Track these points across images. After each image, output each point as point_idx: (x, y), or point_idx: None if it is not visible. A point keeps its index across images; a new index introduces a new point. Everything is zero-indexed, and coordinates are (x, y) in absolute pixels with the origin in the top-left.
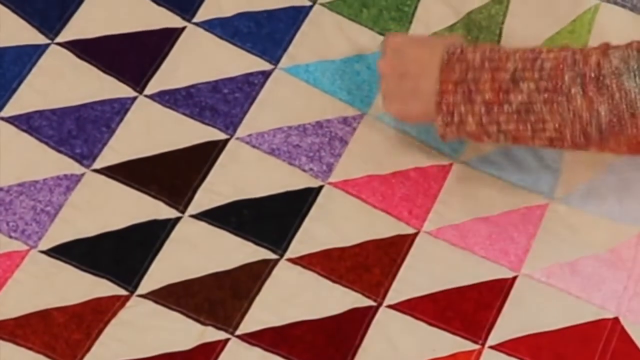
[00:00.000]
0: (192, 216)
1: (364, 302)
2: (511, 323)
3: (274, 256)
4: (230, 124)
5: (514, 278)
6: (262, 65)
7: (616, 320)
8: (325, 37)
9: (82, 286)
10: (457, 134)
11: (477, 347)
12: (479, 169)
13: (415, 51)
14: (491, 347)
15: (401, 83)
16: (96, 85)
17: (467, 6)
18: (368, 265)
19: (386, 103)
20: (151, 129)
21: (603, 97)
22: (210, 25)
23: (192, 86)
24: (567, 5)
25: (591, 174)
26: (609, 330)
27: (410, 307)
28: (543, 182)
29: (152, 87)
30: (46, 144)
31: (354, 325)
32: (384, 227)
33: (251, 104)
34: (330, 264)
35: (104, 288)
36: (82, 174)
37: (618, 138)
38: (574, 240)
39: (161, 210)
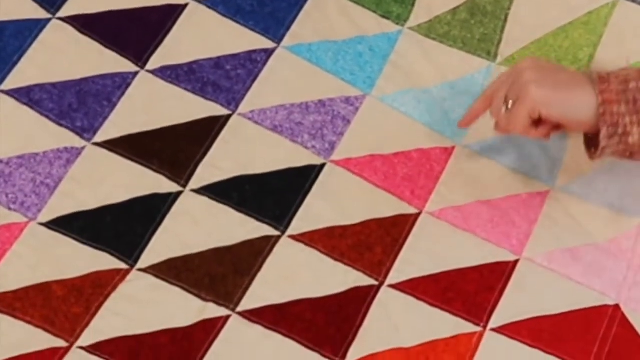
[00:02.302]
0: (194, 191)
1: (365, 281)
2: (513, 306)
3: (275, 232)
4: (233, 100)
5: (516, 262)
6: (265, 43)
7: (617, 307)
8: (328, 17)
9: (82, 259)
10: (614, 147)
11: (478, 329)
12: (481, 154)
13: (557, 64)
14: (493, 330)
15: (556, 73)
16: (97, 60)
17: None
18: (370, 244)
19: (535, 88)
20: (153, 104)
21: None
22: (212, 3)
23: (194, 62)
24: None
25: (594, 165)
26: (609, 316)
27: (412, 287)
28: (544, 169)
29: (154, 62)
30: (47, 117)
31: (355, 304)
32: (386, 206)
33: (253, 81)
34: (332, 242)
35: (104, 261)
36: (83, 147)
37: None
38: (574, 228)
39: (162, 184)
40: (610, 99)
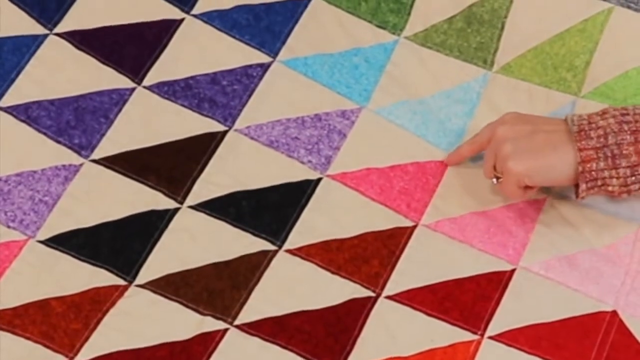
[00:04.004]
0: (191, 207)
1: (362, 292)
2: (510, 314)
3: (272, 247)
4: (229, 116)
5: (512, 271)
6: (261, 57)
7: (614, 313)
8: (324, 30)
9: (81, 276)
10: (595, 194)
11: (476, 337)
12: (477, 164)
13: (536, 119)
14: (490, 338)
15: (532, 138)
16: (95, 76)
17: None
18: (367, 257)
19: (514, 163)
20: (150, 120)
21: None
22: (208, 18)
23: (191, 78)
24: (578, 5)
25: None
26: (607, 322)
27: (409, 298)
28: None
29: (151, 78)
30: (44, 134)
31: (352, 315)
32: (382, 219)
33: (250, 96)
34: (329, 255)
35: (103, 278)
36: (81, 164)
37: None
38: (571, 235)
39: (160, 201)
40: (589, 157)
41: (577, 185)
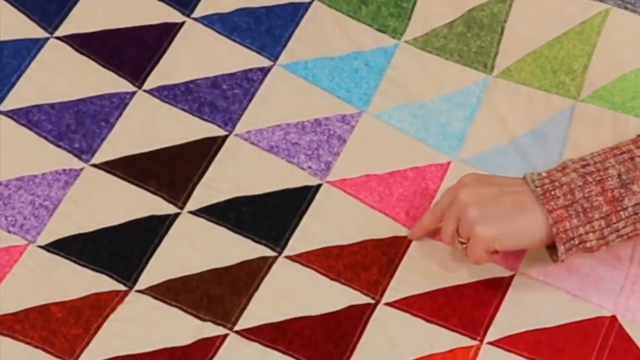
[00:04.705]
0: (191, 212)
1: (362, 299)
2: (509, 320)
3: (272, 253)
4: (229, 120)
5: (511, 277)
6: (261, 61)
7: (614, 318)
8: (324, 33)
9: (81, 281)
10: (574, 254)
11: (475, 342)
12: (477, 167)
13: (498, 180)
14: (490, 343)
15: (498, 201)
16: (95, 80)
17: (467, 3)
18: (366, 264)
19: (482, 229)
20: (150, 124)
21: None
22: (209, 21)
23: (191, 81)
24: (576, 8)
25: None
26: (606, 327)
27: (409, 305)
28: None
29: (151, 82)
30: (45, 138)
31: (352, 321)
32: (381, 227)
33: (250, 100)
34: (329, 261)
35: (103, 283)
36: (81, 169)
37: None
38: None
39: (160, 206)
40: (561, 216)
41: (549, 247)
